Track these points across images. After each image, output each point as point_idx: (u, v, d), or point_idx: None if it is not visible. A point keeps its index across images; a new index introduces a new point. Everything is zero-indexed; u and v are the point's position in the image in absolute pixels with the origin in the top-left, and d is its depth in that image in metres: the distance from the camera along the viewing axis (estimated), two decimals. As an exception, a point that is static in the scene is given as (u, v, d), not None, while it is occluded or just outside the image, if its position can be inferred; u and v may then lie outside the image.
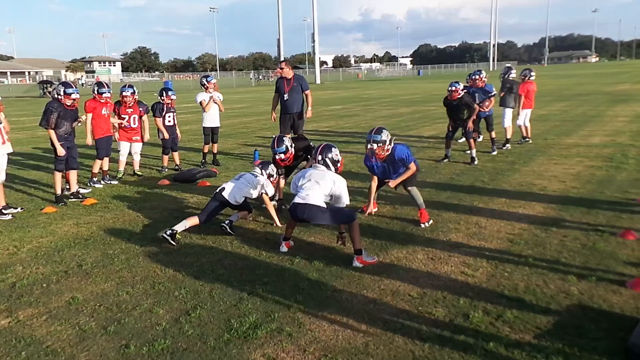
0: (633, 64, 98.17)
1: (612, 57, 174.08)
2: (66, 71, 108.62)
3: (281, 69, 9.22)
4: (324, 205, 4.83)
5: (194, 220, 5.56)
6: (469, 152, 9.23)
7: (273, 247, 5.22)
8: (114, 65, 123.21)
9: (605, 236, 5.19)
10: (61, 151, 7.08)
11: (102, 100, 8.01)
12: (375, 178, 6.02)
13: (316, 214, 4.79)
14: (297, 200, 4.91)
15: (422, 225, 5.70)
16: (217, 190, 5.75)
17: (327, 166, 5.07)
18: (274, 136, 6.45)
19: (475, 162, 9.02)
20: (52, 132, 7.00)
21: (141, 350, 3.39)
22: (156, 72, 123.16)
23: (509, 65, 13.07)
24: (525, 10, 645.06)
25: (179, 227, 5.47)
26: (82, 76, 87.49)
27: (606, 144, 10.46)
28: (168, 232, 5.37)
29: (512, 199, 6.71)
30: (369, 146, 5.61)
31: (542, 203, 6.45)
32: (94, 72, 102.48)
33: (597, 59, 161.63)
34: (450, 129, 9.40)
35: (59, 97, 7.00)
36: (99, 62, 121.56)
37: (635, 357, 3.03)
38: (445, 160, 9.43)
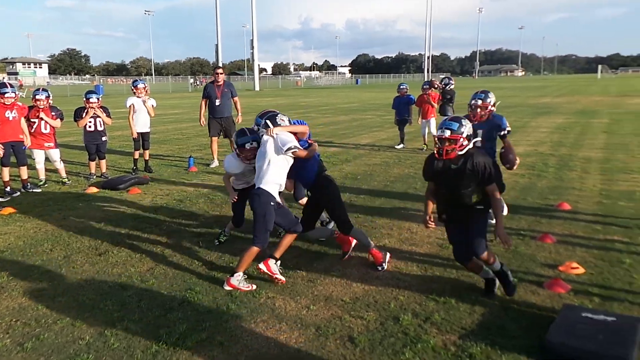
0: (555, 78, 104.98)
1: (537, 71, 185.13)
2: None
3: (221, 74, 9.92)
4: (275, 193, 4.39)
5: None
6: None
7: (207, 255, 5.12)
8: (40, 67, 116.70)
9: (526, 240, 5.49)
10: None
11: (6, 103, 7.42)
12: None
13: (258, 207, 4.33)
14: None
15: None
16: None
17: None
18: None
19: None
20: None
21: (61, 366, 3.21)
22: (87, 75, 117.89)
23: (448, 76, 13.74)
24: (458, 25, 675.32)
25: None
26: (2, 78, 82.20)
27: (529, 153, 11.07)
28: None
29: (442, 205, 6.94)
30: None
31: (469, 209, 6.72)
32: (17, 73, 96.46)
33: (523, 73, 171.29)
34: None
35: None
36: (23, 63, 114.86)
37: (551, 354, 3.22)
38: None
